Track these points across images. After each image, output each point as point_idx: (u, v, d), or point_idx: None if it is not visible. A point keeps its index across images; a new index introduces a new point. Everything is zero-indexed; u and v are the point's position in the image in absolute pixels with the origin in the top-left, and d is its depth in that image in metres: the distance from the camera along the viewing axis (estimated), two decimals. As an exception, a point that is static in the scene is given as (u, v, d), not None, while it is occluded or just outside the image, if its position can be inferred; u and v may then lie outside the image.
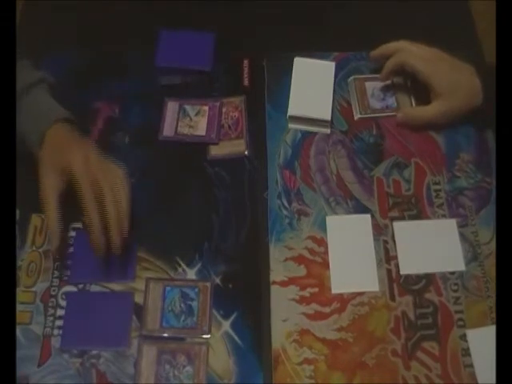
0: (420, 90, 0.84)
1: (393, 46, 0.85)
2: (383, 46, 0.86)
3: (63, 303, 0.73)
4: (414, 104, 0.86)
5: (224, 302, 0.73)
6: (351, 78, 0.89)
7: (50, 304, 0.73)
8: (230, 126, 0.85)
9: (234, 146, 0.84)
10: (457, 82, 0.81)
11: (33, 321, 0.72)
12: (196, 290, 0.74)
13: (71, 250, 0.76)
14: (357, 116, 0.86)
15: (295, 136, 0.85)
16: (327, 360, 0.70)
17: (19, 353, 0.70)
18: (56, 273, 0.75)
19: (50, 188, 0.73)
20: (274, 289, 0.74)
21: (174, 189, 0.81)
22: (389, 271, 0.75)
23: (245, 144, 0.84)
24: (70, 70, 0.89)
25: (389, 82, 0.87)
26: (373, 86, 0.88)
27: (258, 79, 0.89)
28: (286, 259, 0.76)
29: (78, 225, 0.78)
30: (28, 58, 0.81)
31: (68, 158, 0.73)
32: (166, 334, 0.72)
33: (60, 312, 0.73)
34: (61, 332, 0.72)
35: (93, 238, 0.71)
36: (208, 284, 0.74)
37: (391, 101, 0.87)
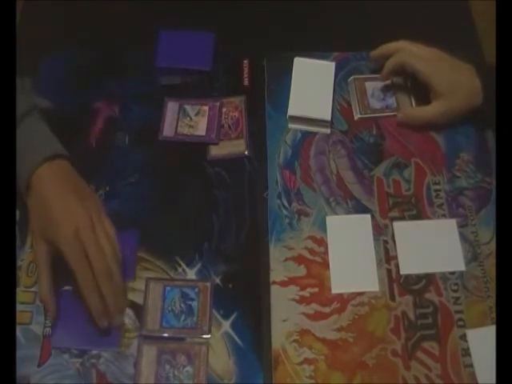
0: (420, 90, 0.84)
1: (393, 45, 0.85)
2: (383, 46, 0.86)
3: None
4: (414, 104, 0.86)
5: (224, 302, 0.73)
6: (351, 78, 0.89)
7: (50, 304, 0.73)
8: (230, 126, 0.85)
9: (234, 146, 0.84)
10: (457, 82, 0.81)
11: (33, 321, 0.72)
12: (196, 290, 0.74)
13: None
14: (357, 116, 0.86)
15: (295, 136, 0.85)
16: (327, 360, 0.70)
17: (19, 353, 0.70)
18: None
19: (41, 255, 0.70)
20: (273, 289, 0.74)
21: (174, 189, 0.81)
22: (389, 271, 0.75)
23: (245, 144, 0.84)
24: (69, 70, 0.89)
25: (389, 82, 0.87)
26: (373, 86, 0.88)
27: (258, 79, 0.89)
28: (286, 259, 0.76)
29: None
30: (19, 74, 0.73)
31: (55, 232, 0.69)
32: (166, 334, 0.72)
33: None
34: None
35: (89, 304, 0.69)
36: (208, 284, 0.74)
37: (391, 101, 0.87)
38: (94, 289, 0.69)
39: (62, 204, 0.70)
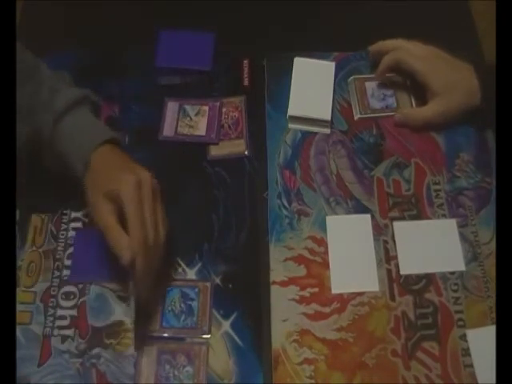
0: (420, 90, 0.84)
1: (390, 43, 0.85)
2: (381, 43, 0.86)
3: (63, 303, 0.73)
4: (414, 104, 0.86)
5: (224, 301, 0.73)
6: (351, 77, 0.89)
7: (50, 304, 0.73)
8: (230, 126, 0.85)
9: (234, 146, 0.84)
10: (454, 81, 0.81)
11: (33, 321, 0.72)
12: (196, 289, 0.74)
13: (71, 250, 0.76)
14: (357, 116, 0.86)
15: (295, 136, 0.85)
16: (327, 360, 0.70)
17: (19, 353, 0.70)
18: (56, 273, 0.75)
19: (108, 213, 0.69)
20: (273, 289, 0.74)
21: (174, 189, 0.81)
22: (389, 271, 0.75)
23: (245, 144, 0.84)
24: (69, 69, 0.89)
25: (386, 80, 0.87)
26: (373, 86, 0.88)
27: (258, 79, 0.89)
28: (286, 259, 0.76)
29: (78, 224, 0.78)
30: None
31: (118, 182, 0.69)
32: (166, 334, 0.72)
33: (60, 312, 0.73)
34: (69, 271, 0.74)
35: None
36: (208, 284, 0.74)
37: (391, 101, 0.87)
38: (139, 246, 0.66)
39: (125, 164, 0.72)
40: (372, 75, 0.88)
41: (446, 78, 0.81)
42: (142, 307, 0.72)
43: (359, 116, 0.86)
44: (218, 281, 0.75)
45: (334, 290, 0.74)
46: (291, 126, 0.85)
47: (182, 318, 0.72)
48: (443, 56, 0.82)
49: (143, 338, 0.71)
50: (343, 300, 0.74)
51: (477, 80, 0.79)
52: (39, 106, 0.73)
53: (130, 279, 0.71)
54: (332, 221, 0.78)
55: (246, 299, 0.74)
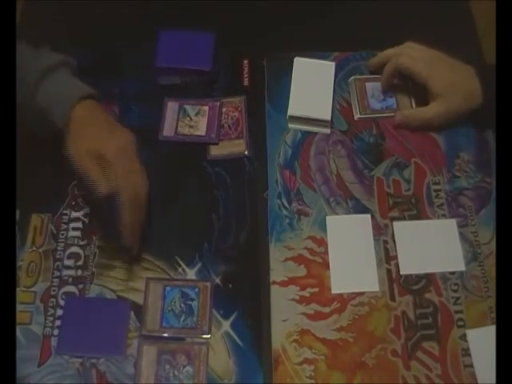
0: (420, 91, 0.84)
1: (388, 52, 0.85)
2: (379, 54, 0.86)
3: (63, 303, 0.73)
4: (414, 105, 0.86)
5: (224, 301, 0.73)
6: (351, 78, 0.89)
7: (50, 304, 0.73)
8: (230, 126, 0.85)
9: (234, 146, 0.84)
10: (455, 83, 0.81)
11: (33, 321, 0.72)
12: (196, 289, 0.74)
13: (71, 250, 0.76)
14: (356, 116, 0.86)
15: (295, 136, 0.85)
16: (327, 360, 0.70)
17: (19, 353, 0.70)
18: (56, 273, 0.75)
19: (90, 162, 0.71)
20: (273, 289, 0.74)
21: (174, 189, 0.81)
22: (389, 271, 0.75)
23: (245, 144, 0.84)
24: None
25: (391, 87, 0.87)
26: (373, 87, 0.88)
27: (258, 79, 0.89)
28: (286, 259, 0.76)
29: (78, 224, 0.78)
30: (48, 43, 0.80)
31: (106, 142, 0.72)
32: (166, 334, 0.72)
33: (60, 312, 0.73)
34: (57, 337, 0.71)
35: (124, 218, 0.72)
36: (208, 284, 0.74)
37: (391, 101, 0.87)
38: (132, 204, 0.71)
39: (107, 124, 0.75)
40: (372, 76, 0.88)
41: (446, 80, 0.81)
42: (127, 249, 0.74)
43: (359, 116, 0.86)
44: (218, 281, 0.75)
45: (334, 290, 0.74)
46: (291, 126, 0.85)
47: (182, 317, 0.72)
48: (443, 58, 0.83)
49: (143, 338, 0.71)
50: (343, 300, 0.74)
51: (478, 81, 0.79)
52: (22, 65, 0.74)
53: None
54: (332, 221, 0.78)
55: (246, 299, 0.74)
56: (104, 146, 0.72)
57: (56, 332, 0.72)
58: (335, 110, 0.86)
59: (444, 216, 0.79)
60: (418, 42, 0.84)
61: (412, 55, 0.83)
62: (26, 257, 0.76)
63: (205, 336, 0.71)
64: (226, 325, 0.72)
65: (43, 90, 0.74)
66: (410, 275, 0.75)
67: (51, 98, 0.74)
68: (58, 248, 0.77)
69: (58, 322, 0.72)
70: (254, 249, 0.77)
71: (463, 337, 0.71)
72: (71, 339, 0.71)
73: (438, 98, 0.81)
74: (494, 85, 0.73)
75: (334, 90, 0.87)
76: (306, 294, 0.74)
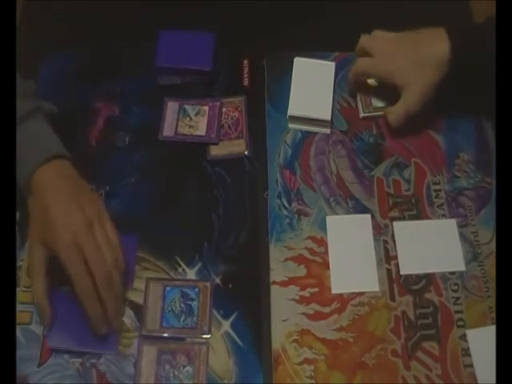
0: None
1: (354, 65, 0.84)
2: (350, 71, 0.86)
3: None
4: None
5: (224, 301, 0.73)
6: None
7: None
8: (230, 126, 0.85)
9: (234, 146, 0.84)
10: (419, 59, 0.78)
11: (33, 321, 0.72)
12: (196, 289, 0.74)
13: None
14: (361, 115, 0.86)
15: (295, 136, 0.85)
16: (327, 360, 0.70)
17: (19, 353, 0.70)
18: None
19: (38, 260, 0.69)
20: (273, 289, 0.74)
21: (174, 189, 0.81)
22: (389, 271, 0.75)
23: (245, 144, 0.84)
24: (69, 69, 0.89)
25: (357, 89, 0.87)
26: (375, 85, 0.87)
27: (258, 79, 0.89)
28: (286, 259, 0.76)
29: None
30: (21, 73, 0.74)
31: (53, 237, 0.67)
32: (166, 334, 0.72)
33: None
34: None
35: (87, 311, 0.68)
36: (208, 284, 0.74)
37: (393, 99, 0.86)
38: (92, 296, 0.67)
39: (60, 208, 0.69)
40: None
41: (410, 63, 0.78)
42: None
43: (363, 115, 0.85)
44: (218, 281, 0.75)
45: (334, 290, 0.74)
46: (291, 126, 0.85)
47: (182, 317, 0.72)
48: (407, 36, 0.81)
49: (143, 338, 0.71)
50: (343, 300, 0.74)
51: (447, 43, 0.77)
52: None
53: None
54: (332, 221, 0.78)
55: (245, 299, 0.74)
56: (57, 238, 0.67)
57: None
58: (335, 110, 0.86)
59: (444, 216, 0.79)
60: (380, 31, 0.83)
61: (372, 53, 0.82)
62: (26, 257, 0.75)
63: (205, 336, 0.71)
64: (226, 325, 0.72)
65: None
66: (410, 275, 0.75)
67: (17, 156, 0.69)
68: (58, 248, 0.76)
69: (57, 322, 0.72)
70: (254, 249, 0.77)
71: (463, 337, 0.71)
72: (62, 333, 0.71)
73: (407, 85, 0.79)
74: (470, 44, 0.72)
75: (334, 90, 0.87)
76: (305, 294, 0.74)
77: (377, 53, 0.82)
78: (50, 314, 0.70)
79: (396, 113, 0.81)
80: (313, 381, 0.69)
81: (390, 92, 0.83)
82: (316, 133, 0.85)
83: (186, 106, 0.86)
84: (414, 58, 0.79)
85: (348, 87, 0.87)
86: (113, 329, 0.70)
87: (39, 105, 0.75)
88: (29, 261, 0.72)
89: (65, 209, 0.69)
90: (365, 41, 0.84)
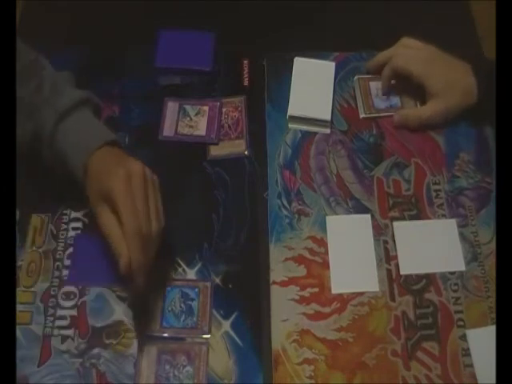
0: (421, 91, 0.84)
1: (386, 53, 0.85)
2: (375, 57, 0.87)
3: (63, 303, 0.73)
4: (418, 104, 0.86)
5: (224, 301, 0.73)
6: (356, 77, 0.89)
7: (50, 304, 0.73)
8: (230, 126, 0.85)
9: (234, 146, 0.84)
10: (452, 80, 0.81)
11: (33, 321, 0.72)
12: (196, 290, 0.74)
13: (71, 250, 0.76)
14: (362, 116, 0.86)
15: (295, 136, 0.85)
16: (327, 360, 0.70)
17: (19, 353, 0.70)
18: (56, 273, 0.75)
19: (107, 218, 0.69)
20: (273, 289, 0.74)
21: (174, 189, 0.81)
22: (389, 271, 0.75)
23: (245, 144, 0.84)
24: (69, 69, 0.89)
25: (392, 88, 0.87)
26: (377, 86, 0.87)
27: (258, 79, 0.89)
28: (286, 259, 0.76)
29: (78, 224, 0.78)
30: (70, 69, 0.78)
31: (109, 180, 0.68)
32: (166, 334, 0.72)
33: (60, 312, 0.73)
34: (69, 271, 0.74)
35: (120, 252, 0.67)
36: (208, 284, 0.74)
37: (395, 100, 0.87)
38: (133, 238, 0.66)
39: (118, 160, 0.71)
40: (376, 75, 0.88)
41: (443, 78, 0.81)
42: (140, 306, 0.72)
43: (364, 116, 0.85)
44: (218, 281, 0.75)
45: (334, 290, 0.74)
46: (291, 126, 0.85)
47: (182, 318, 0.72)
48: (440, 55, 0.83)
49: (143, 338, 0.71)
50: (343, 300, 0.74)
51: (474, 78, 0.80)
52: (41, 104, 0.73)
53: (129, 279, 0.71)
54: (332, 221, 0.78)
55: (245, 299, 0.74)
56: (112, 179, 0.68)
57: (56, 332, 0.72)
58: (335, 110, 0.86)
59: (444, 216, 0.79)
60: (413, 37, 0.84)
61: (408, 55, 0.83)
62: (25, 257, 0.76)
63: (205, 336, 0.71)
64: (226, 325, 0.72)
65: (62, 133, 0.72)
66: (410, 275, 0.75)
67: (68, 145, 0.72)
68: (58, 248, 0.77)
69: (58, 322, 0.72)
70: (254, 249, 0.77)
71: (463, 337, 0.71)
72: (81, 270, 0.73)
73: (436, 96, 0.81)
74: (491, 81, 0.73)
75: (334, 90, 0.87)
76: (305, 294, 0.74)
77: (413, 56, 0.83)
78: (143, 280, 0.68)
79: (414, 116, 0.84)
80: (313, 381, 0.69)
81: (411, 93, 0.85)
82: (316, 133, 0.85)
83: (186, 106, 0.87)
84: (447, 75, 0.81)
85: (383, 83, 0.86)
86: (135, 276, 0.68)
87: (89, 95, 0.77)
88: (99, 224, 0.70)
89: (120, 159, 0.71)
90: (391, 50, 0.85)
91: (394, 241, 0.77)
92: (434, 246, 0.77)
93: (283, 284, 0.74)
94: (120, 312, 0.73)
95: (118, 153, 0.74)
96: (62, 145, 0.73)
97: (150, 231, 0.68)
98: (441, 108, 0.82)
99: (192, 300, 0.73)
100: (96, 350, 0.71)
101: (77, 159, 0.72)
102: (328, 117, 0.85)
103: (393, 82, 0.86)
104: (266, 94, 0.88)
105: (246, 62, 0.90)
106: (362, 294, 0.74)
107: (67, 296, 0.74)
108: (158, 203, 0.70)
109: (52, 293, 0.74)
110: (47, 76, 0.76)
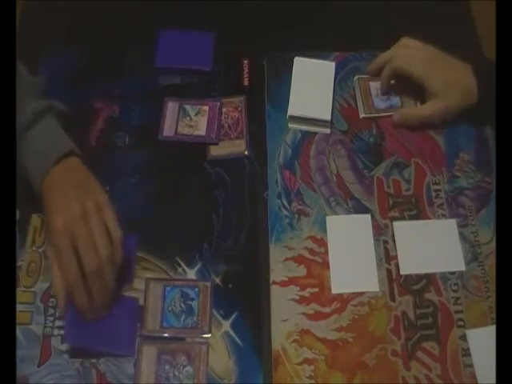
0: (421, 91, 0.84)
1: (386, 54, 0.85)
2: (376, 59, 0.86)
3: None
4: (418, 103, 0.86)
5: (224, 301, 0.73)
6: (356, 77, 0.89)
7: (50, 304, 0.73)
8: (230, 126, 0.85)
9: (234, 146, 0.84)
10: (452, 80, 0.81)
11: (33, 321, 0.72)
12: (196, 289, 0.74)
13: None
14: (362, 115, 0.86)
15: (295, 136, 0.85)
16: (327, 360, 0.70)
17: (19, 353, 0.70)
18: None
19: (53, 269, 0.69)
20: (273, 289, 0.74)
21: (174, 189, 0.81)
22: (389, 271, 0.75)
23: (245, 144, 0.84)
24: (69, 69, 0.89)
25: (391, 88, 0.87)
26: (377, 86, 0.87)
27: (258, 79, 0.89)
28: (286, 259, 0.76)
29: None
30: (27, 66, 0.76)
31: (48, 224, 0.69)
32: (166, 334, 0.72)
33: (60, 312, 0.73)
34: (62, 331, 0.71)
35: (74, 300, 0.68)
36: (208, 284, 0.74)
37: (395, 100, 0.87)
38: (78, 284, 0.67)
39: (58, 197, 0.70)
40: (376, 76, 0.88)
41: (443, 78, 0.81)
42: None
43: (364, 115, 0.85)
44: (218, 281, 0.75)
45: (334, 290, 0.74)
46: (291, 126, 0.85)
47: (182, 317, 0.72)
48: (441, 56, 0.83)
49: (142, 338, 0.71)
50: (343, 300, 0.74)
51: (474, 78, 0.80)
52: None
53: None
54: (332, 221, 0.78)
55: (245, 299, 0.74)
56: (50, 224, 0.68)
57: (56, 332, 0.71)
58: (335, 110, 0.86)
59: (444, 216, 0.79)
60: (413, 37, 0.84)
61: (408, 55, 0.83)
62: (25, 257, 0.76)
63: (205, 336, 0.71)
64: (226, 325, 0.72)
65: (23, 146, 0.72)
66: (410, 275, 0.75)
67: (29, 157, 0.72)
68: (58, 248, 0.76)
69: (58, 322, 0.72)
70: (254, 249, 0.77)
71: (463, 337, 0.71)
72: (78, 331, 0.70)
73: (436, 96, 0.81)
74: (491, 81, 0.73)
75: (334, 90, 0.87)
76: (305, 294, 0.74)
77: (413, 57, 0.83)
78: (63, 304, 0.69)
79: (414, 115, 0.84)
80: (313, 381, 0.69)
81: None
82: (316, 133, 0.85)
83: (186, 106, 0.87)
84: (447, 74, 0.81)
85: (382, 83, 0.86)
86: (99, 316, 0.69)
87: (51, 104, 0.76)
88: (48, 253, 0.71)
89: (63, 198, 0.69)
90: (391, 51, 0.85)
91: (394, 241, 0.77)
92: (434, 245, 0.77)
93: (283, 284, 0.74)
94: (120, 312, 0.73)
95: (71, 173, 0.72)
96: (23, 159, 0.72)
97: (99, 262, 0.67)
98: (441, 107, 0.82)
99: (192, 300, 0.73)
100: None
101: (33, 180, 0.72)
102: (328, 117, 0.85)
103: (392, 81, 0.86)
104: (266, 94, 0.88)
105: (246, 62, 0.90)
106: (362, 293, 0.74)
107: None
108: (110, 223, 0.69)
109: (52, 293, 0.74)
110: (21, 83, 0.73)
